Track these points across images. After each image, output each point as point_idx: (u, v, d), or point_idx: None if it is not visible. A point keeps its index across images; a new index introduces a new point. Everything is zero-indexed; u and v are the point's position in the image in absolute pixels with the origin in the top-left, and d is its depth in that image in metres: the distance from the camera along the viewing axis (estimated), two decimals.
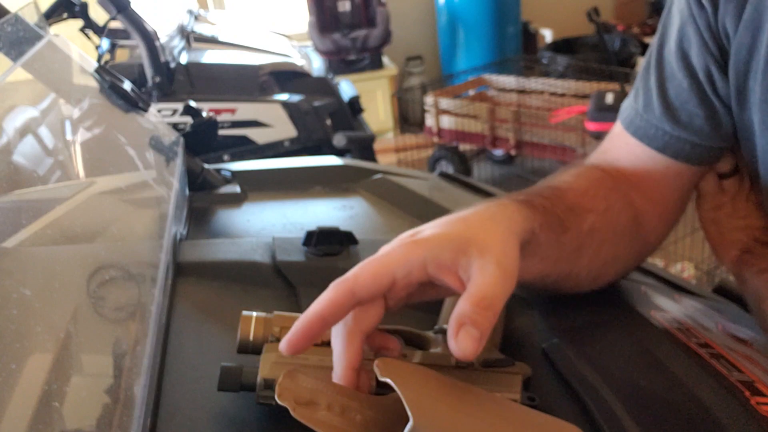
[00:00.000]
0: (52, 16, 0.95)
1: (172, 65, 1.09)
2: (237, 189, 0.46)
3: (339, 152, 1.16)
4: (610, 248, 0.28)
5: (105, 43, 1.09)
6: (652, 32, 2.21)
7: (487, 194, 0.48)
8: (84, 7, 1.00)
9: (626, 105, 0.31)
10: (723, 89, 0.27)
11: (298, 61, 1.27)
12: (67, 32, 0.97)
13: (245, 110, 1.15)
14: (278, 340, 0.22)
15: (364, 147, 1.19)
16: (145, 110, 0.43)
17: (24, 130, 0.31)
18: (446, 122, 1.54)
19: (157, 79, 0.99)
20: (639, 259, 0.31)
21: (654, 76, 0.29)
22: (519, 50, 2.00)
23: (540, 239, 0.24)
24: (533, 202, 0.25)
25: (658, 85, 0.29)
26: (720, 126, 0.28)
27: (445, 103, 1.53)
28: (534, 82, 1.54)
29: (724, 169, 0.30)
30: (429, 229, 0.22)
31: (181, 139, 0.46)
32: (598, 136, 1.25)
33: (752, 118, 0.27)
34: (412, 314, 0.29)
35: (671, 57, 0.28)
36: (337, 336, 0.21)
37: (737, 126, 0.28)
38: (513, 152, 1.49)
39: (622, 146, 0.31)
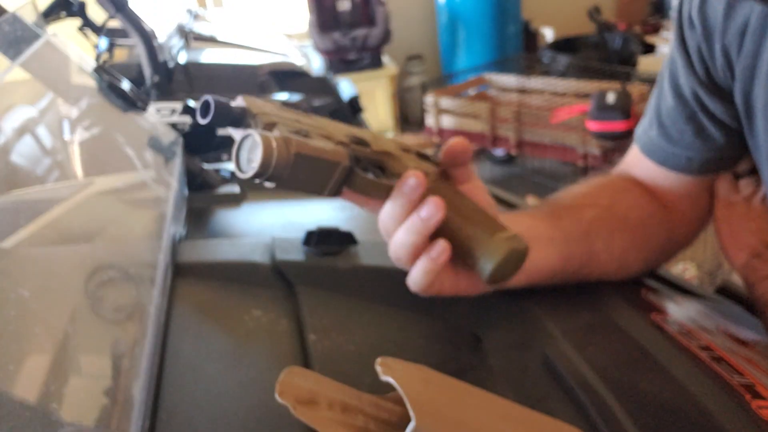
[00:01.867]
0: (50, 15, 0.94)
1: (171, 65, 1.08)
2: (236, 189, 0.46)
3: None
4: (625, 238, 0.30)
5: (103, 43, 1.09)
6: (654, 31, 2.23)
7: None
8: (82, 7, 0.99)
9: (640, 122, 0.34)
10: (713, 106, 0.29)
11: (298, 61, 1.27)
12: (65, 31, 0.97)
13: None
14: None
15: None
16: (144, 110, 0.43)
17: (22, 130, 0.31)
18: (446, 122, 1.54)
19: (156, 79, 0.99)
20: (668, 252, 0.33)
21: (654, 97, 0.32)
22: (520, 49, 2.00)
23: (539, 229, 0.27)
24: (515, 211, 0.29)
25: (656, 105, 0.32)
26: (711, 140, 0.30)
27: (446, 102, 1.52)
28: (535, 82, 1.53)
29: (740, 168, 0.31)
30: None
31: (180, 139, 0.46)
32: (599, 136, 1.25)
33: (758, 124, 0.27)
34: (408, 316, 0.29)
35: (665, 80, 0.31)
36: None
37: (746, 134, 0.29)
38: (514, 152, 1.49)
39: (635, 159, 0.34)
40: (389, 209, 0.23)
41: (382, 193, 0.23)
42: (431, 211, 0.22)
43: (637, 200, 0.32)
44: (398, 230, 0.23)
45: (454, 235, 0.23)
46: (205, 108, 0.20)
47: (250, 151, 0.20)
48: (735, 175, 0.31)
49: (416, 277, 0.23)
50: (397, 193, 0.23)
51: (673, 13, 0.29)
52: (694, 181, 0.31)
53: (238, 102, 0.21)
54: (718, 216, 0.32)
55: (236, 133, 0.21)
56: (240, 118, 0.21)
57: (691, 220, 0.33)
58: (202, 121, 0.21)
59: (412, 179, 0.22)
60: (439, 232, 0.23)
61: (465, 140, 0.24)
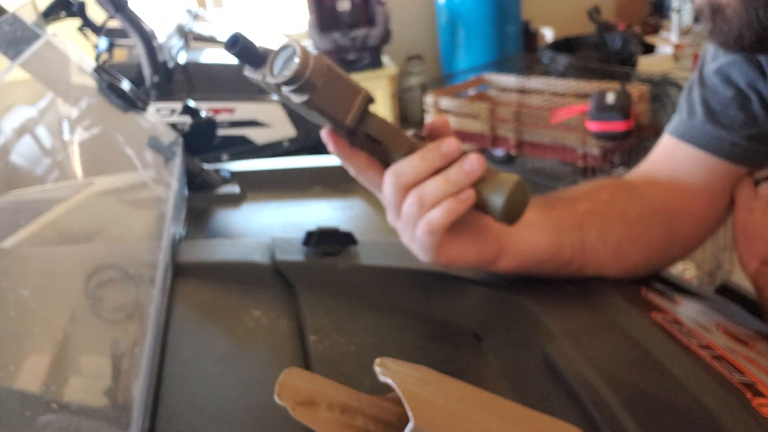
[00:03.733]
0: (50, 15, 0.94)
1: (171, 65, 1.09)
2: (236, 189, 0.46)
3: None
4: (621, 230, 0.31)
5: (103, 43, 1.09)
6: (653, 31, 2.23)
7: None
8: (82, 7, 0.99)
9: (672, 120, 0.35)
10: None
11: None
12: (65, 31, 0.98)
13: (244, 110, 1.15)
14: None
15: None
16: (144, 110, 0.43)
17: (22, 130, 0.31)
18: None
19: (156, 79, 0.99)
20: (669, 254, 0.33)
21: (697, 91, 0.33)
22: (519, 49, 2.00)
23: (531, 216, 0.28)
24: None
25: (701, 97, 0.33)
26: (758, 129, 0.31)
27: (445, 102, 1.52)
28: (534, 82, 1.53)
29: (761, 174, 0.32)
30: None
31: (180, 139, 0.46)
32: (599, 136, 1.25)
33: None
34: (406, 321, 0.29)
35: (713, 76, 0.32)
36: None
37: None
38: (513, 152, 1.49)
39: (663, 151, 0.34)
40: (417, 162, 0.23)
41: (398, 142, 0.23)
42: (474, 164, 0.23)
43: (639, 197, 0.32)
44: (432, 180, 0.23)
45: None
46: (232, 41, 0.21)
47: (286, 61, 0.21)
48: (756, 181, 0.32)
49: (436, 217, 0.24)
50: (433, 149, 0.23)
51: None
52: (724, 172, 0.32)
53: (262, 45, 0.22)
54: (736, 223, 0.32)
55: (253, 73, 0.22)
56: (263, 59, 0.22)
57: (698, 220, 0.33)
58: (230, 52, 0.21)
59: (454, 140, 0.23)
60: None
61: (444, 118, 0.25)
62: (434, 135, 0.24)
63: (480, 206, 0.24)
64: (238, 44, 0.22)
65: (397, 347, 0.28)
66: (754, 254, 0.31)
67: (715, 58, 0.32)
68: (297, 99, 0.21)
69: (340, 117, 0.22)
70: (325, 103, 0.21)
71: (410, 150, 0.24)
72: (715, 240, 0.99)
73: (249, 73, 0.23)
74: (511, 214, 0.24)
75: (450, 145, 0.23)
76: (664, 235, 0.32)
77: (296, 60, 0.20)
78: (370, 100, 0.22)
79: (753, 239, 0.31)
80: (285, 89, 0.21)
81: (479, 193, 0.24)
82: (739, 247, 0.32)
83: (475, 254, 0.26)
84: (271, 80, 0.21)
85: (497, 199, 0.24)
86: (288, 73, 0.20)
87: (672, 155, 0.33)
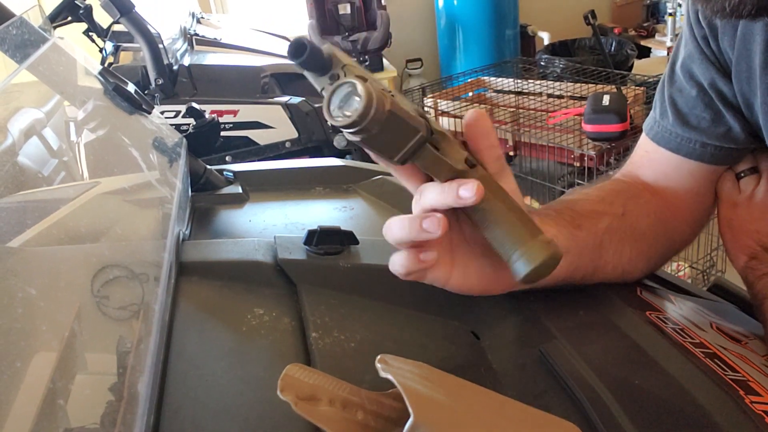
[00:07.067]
0: (56, 19, 0.95)
1: (175, 67, 1.09)
2: (239, 190, 0.46)
3: (339, 153, 1.17)
4: (633, 247, 0.31)
5: (109, 46, 1.10)
6: (648, 35, 2.25)
7: None
8: (88, 10, 1.00)
9: (648, 117, 0.34)
10: (730, 94, 0.30)
11: None
12: (71, 35, 0.98)
13: (247, 112, 1.16)
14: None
15: None
16: (149, 112, 0.44)
17: (29, 132, 0.31)
18: (445, 123, 1.54)
19: (160, 81, 0.99)
20: (666, 257, 0.33)
21: (667, 89, 0.32)
22: (517, 53, 2.01)
23: (559, 240, 0.27)
24: (540, 212, 0.29)
25: (670, 96, 0.32)
26: (726, 126, 0.30)
27: (444, 104, 1.53)
28: (532, 84, 1.54)
29: (741, 168, 0.32)
30: None
31: (184, 141, 0.46)
32: (595, 138, 1.26)
33: (758, 122, 0.29)
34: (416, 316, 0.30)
35: (680, 72, 0.32)
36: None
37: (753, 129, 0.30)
38: (512, 153, 1.49)
39: (643, 154, 0.34)
40: (435, 193, 0.23)
41: (441, 172, 0.23)
42: (465, 195, 0.22)
43: (647, 207, 0.32)
44: (434, 191, 0.23)
45: (495, 227, 0.23)
46: (298, 48, 0.20)
47: (344, 99, 0.20)
48: (737, 175, 0.32)
49: (398, 228, 0.23)
50: (450, 189, 0.22)
51: (684, 9, 0.31)
52: (702, 173, 0.32)
53: (326, 48, 0.21)
54: (722, 218, 0.32)
55: (316, 80, 0.21)
56: (328, 65, 0.20)
57: (690, 222, 0.33)
58: (294, 61, 0.20)
59: (472, 185, 0.22)
60: (483, 220, 0.23)
61: (480, 117, 0.23)
62: (471, 135, 0.23)
63: (501, 255, 0.23)
64: (304, 52, 0.19)
65: (397, 344, 0.28)
66: (741, 249, 0.30)
67: (684, 49, 0.31)
68: (350, 137, 0.20)
69: (390, 156, 0.21)
70: (378, 144, 0.21)
71: (450, 178, 0.22)
72: (708, 239, 1.00)
73: (311, 79, 0.21)
74: (531, 279, 0.23)
75: (467, 190, 0.22)
76: (665, 243, 0.32)
77: (356, 103, 0.19)
78: (425, 140, 0.21)
79: (739, 234, 0.31)
80: (338, 126, 0.20)
81: (504, 242, 0.23)
82: (726, 242, 0.32)
83: (485, 285, 0.26)
84: (327, 117, 0.20)
85: (522, 266, 0.22)
86: (346, 117, 0.19)
87: (652, 159, 0.33)
